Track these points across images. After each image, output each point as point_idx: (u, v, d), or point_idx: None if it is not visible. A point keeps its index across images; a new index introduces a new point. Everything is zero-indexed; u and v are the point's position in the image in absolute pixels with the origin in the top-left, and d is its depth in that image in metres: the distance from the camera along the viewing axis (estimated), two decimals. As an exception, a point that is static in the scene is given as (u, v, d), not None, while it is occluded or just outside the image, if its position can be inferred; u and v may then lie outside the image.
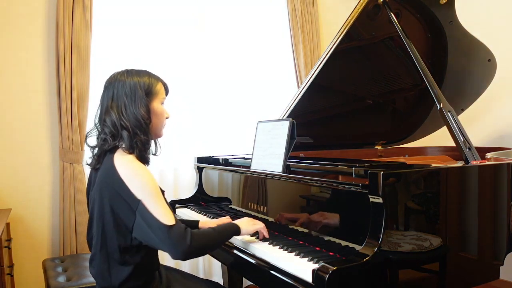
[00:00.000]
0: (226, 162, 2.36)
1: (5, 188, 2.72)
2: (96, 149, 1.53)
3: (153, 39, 3.07)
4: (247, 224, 1.67)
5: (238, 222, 1.67)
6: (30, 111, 2.80)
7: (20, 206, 2.75)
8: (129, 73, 1.52)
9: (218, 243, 1.62)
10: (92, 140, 1.57)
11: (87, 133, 1.61)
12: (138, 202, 1.39)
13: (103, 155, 1.50)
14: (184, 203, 2.47)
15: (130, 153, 1.47)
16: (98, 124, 1.53)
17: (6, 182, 2.73)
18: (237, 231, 1.63)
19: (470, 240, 1.57)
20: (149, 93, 1.52)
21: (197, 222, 1.91)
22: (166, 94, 1.61)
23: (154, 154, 1.61)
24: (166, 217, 1.39)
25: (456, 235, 1.52)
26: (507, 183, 1.67)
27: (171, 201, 2.46)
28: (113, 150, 1.48)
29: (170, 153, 3.11)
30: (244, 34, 3.37)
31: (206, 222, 1.92)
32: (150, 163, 1.57)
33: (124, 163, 1.43)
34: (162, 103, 1.59)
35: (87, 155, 1.59)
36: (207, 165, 2.48)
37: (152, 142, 1.60)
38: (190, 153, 3.15)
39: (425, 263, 1.44)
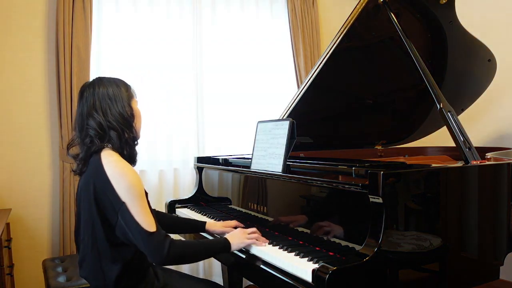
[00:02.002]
0: (226, 162, 2.36)
1: (5, 188, 2.72)
2: (81, 154, 1.52)
3: (153, 39, 3.07)
4: (238, 239, 1.62)
5: (229, 237, 1.63)
6: (30, 111, 2.80)
7: (20, 206, 2.75)
8: (104, 79, 1.56)
9: (201, 256, 1.63)
10: (74, 150, 1.59)
11: (69, 144, 1.62)
12: (121, 204, 1.40)
13: (89, 157, 1.50)
14: (184, 203, 2.47)
15: (118, 152, 1.49)
16: (79, 132, 1.52)
17: (6, 182, 2.73)
18: (226, 247, 1.60)
19: (470, 240, 1.57)
20: (128, 94, 1.56)
21: (204, 223, 1.92)
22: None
23: (135, 163, 1.61)
24: (147, 223, 1.40)
25: (456, 235, 1.52)
26: (507, 183, 1.67)
27: (171, 201, 2.46)
28: (99, 150, 1.48)
29: (170, 153, 3.11)
30: (244, 34, 3.36)
31: (213, 224, 1.92)
32: (136, 163, 1.58)
33: (111, 162, 1.44)
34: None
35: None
36: (207, 165, 2.48)
37: None
38: (190, 153, 3.15)
39: (425, 263, 1.44)
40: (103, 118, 1.48)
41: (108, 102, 1.49)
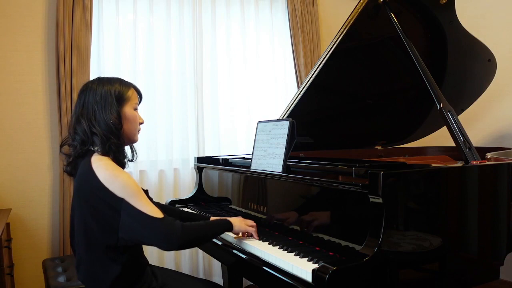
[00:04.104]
0: (226, 162, 2.36)
1: (5, 188, 2.72)
2: (70, 157, 1.54)
3: (153, 38, 3.06)
4: (239, 223, 1.71)
5: (231, 219, 1.71)
6: (30, 111, 2.80)
7: (20, 206, 2.75)
8: (100, 81, 1.54)
9: (209, 236, 1.67)
10: (66, 149, 1.59)
11: (62, 141, 1.63)
12: (121, 201, 1.40)
13: (75, 161, 1.52)
14: (184, 203, 2.47)
15: (106, 156, 1.48)
16: (71, 132, 1.53)
17: (6, 182, 2.73)
18: (229, 227, 1.68)
19: (470, 240, 1.57)
20: (120, 99, 1.53)
21: (209, 217, 1.93)
22: (140, 100, 1.63)
23: (131, 160, 1.62)
24: (153, 212, 1.42)
25: (456, 235, 1.52)
26: (507, 183, 1.67)
27: (171, 201, 2.46)
28: (88, 154, 1.49)
29: (170, 153, 3.11)
30: (244, 34, 3.36)
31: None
32: (126, 167, 1.58)
33: (102, 166, 1.44)
34: (135, 109, 1.59)
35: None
36: (207, 165, 2.48)
37: (128, 148, 1.62)
38: (190, 153, 3.15)
39: (425, 263, 1.44)
40: (87, 124, 1.47)
41: (94, 108, 1.48)
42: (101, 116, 1.48)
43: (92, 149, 1.49)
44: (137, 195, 1.42)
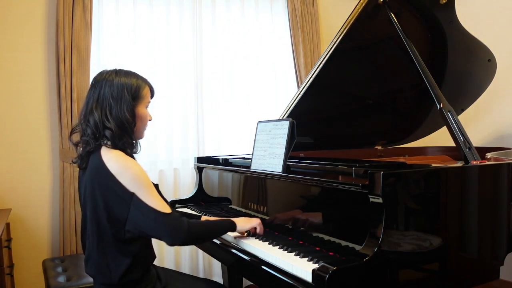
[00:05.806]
0: (226, 162, 2.36)
1: (5, 188, 2.72)
2: (80, 148, 1.54)
3: (153, 38, 3.07)
4: (243, 221, 1.73)
5: (235, 219, 1.72)
6: (30, 111, 2.80)
7: (20, 206, 2.75)
8: (117, 73, 1.52)
9: (213, 235, 1.70)
10: (76, 137, 1.58)
11: (72, 129, 1.61)
12: (131, 195, 1.41)
13: (87, 155, 1.51)
14: (184, 203, 2.47)
15: (115, 148, 1.48)
16: (82, 121, 1.52)
17: (6, 182, 2.73)
18: (233, 226, 1.68)
19: (470, 240, 1.57)
20: (136, 97, 1.52)
21: (199, 216, 1.96)
22: (151, 97, 1.62)
23: (135, 153, 1.62)
24: (161, 207, 1.43)
25: (456, 235, 1.52)
26: (507, 183, 1.67)
27: (171, 201, 2.46)
28: (98, 147, 1.48)
29: (170, 153, 3.11)
30: (244, 34, 3.36)
31: (208, 218, 1.93)
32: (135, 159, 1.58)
33: (112, 158, 1.44)
34: (147, 107, 1.58)
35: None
36: (207, 165, 2.48)
37: None
38: (190, 153, 3.15)
39: (425, 263, 1.44)
40: (100, 118, 1.46)
41: (110, 102, 1.47)
42: (116, 112, 1.47)
43: (102, 143, 1.48)
44: (146, 188, 1.43)
